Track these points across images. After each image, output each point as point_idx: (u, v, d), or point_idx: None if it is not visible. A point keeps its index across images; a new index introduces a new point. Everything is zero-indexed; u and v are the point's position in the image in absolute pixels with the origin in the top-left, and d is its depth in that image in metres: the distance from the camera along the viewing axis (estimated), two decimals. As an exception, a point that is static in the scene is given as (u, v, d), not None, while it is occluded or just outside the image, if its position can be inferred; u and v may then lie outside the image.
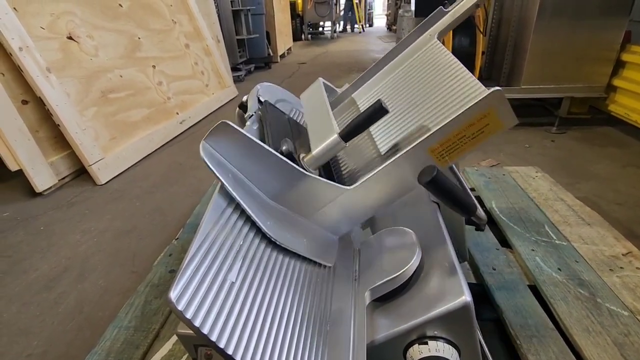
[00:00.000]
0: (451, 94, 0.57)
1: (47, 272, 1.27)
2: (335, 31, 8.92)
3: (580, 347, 0.68)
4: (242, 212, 0.51)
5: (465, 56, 2.29)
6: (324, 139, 0.59)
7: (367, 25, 11.43)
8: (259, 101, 0.77)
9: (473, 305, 0.49)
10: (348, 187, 0.57)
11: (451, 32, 2.26)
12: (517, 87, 2.23)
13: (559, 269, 0.88)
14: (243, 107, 0.79)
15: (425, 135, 0.51)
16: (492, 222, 1.10)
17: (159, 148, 2.36)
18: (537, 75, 2.18)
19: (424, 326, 0.51)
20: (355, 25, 9.98)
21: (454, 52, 2.31)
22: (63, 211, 1.66)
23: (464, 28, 2.33)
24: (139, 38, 2.48)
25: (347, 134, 0.57)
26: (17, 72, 1.71)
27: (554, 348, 0.69)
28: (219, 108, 3.19)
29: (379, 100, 0.54)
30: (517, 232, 1.02)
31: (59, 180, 1.87)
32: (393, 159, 0.53)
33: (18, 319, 1.08)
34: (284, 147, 0.60)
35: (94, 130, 1.97)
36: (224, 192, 0.51)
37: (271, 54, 5.21)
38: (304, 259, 0.56)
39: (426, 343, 0.51)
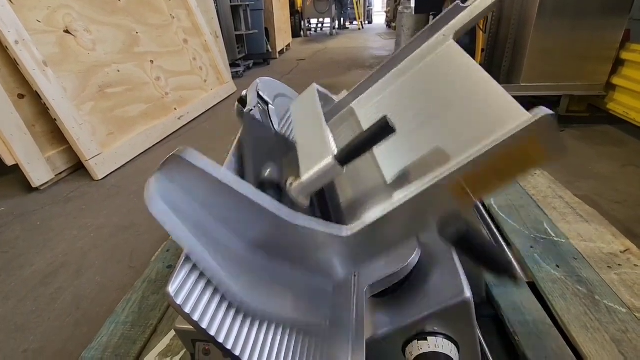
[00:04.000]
0: (476, 111, 0.45)
1: (44, 267, 1.27)
2: (334, 28, 8.88)
3: (579, 344, 0.68)
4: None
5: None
6: (316, 162, 0.48)
7: (367, 22, 11.40)
8: (259, 96, 0.76)
9: (473, 302, 0.49)
10: (345, 233, 0.45)
11: (451, 29, 2.26)
12: (516, 85, 2.23)
13: (558, 266, 0.88)
14: (242, 101, 0.79)
15: (450, 170, 0.39)
16: (491, 219, 1.10)
17: (156, 144, 2.35)
18: (536, 73, 2.18)
19: (423, 322, 0.51)
20: (354, 22, 9.95)
21: (453, 49, 2.31)
22: (60, 207, 1.65)
23: (464, 25, 2.33)
24: (137, 33, 2.46)
25: (345, 158, 0.46)
26: (13, 66, 1.70)
27: (553, 344, 0.69)
28: (217, 104, 3.18)
29: (384, 116, 0.44)
30: (516, 229, 1.02)
31: (55, 176, 1.86)
32: (405, 199, 0.41)
33: (14, 314, 1.07)
34: (266, 176, 0.51)
35: (91, 126, 1.96)
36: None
37: (270, 50, 5.19)
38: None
39: (425, 339, 0.50)
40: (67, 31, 1.96)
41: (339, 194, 0.60)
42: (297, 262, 0.47)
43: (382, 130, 0.44)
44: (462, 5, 0.60)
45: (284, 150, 0.60)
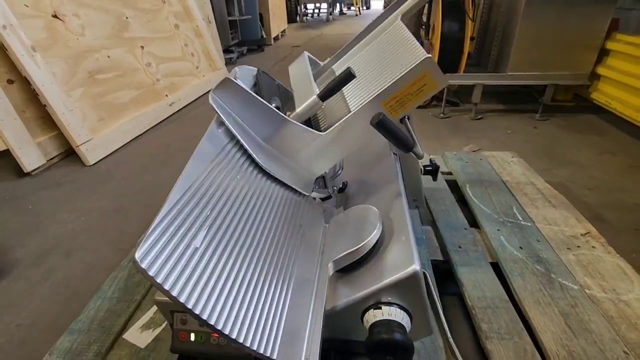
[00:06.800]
0: (404, 63, 0.68)
1: (35, 249, 1.31)
2: (331, 13, 8.77)
3: (530, 317, 0.74)
4: (237, 149, 0.66)
5: (454, 41, 2.29)
6: (305, 99, 0.72)
7: (364, 8, 11.24)
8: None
9: (422, 274, 0.54)
10: (321, 133, 0.70)
11: (440, 17, 2.27)
12: (503, 74, 2.26)
13: (521, 248, 0.93)
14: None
15: (379, 92, 0.64)
16: (464, 204, 1.15)
17: (148, 130, 2.37)
18: (523, 62, 2.20)
19: (378, 293, 0.56)
20: (352, 8, 9.81)
21: (442, 37, 2.32)
22: (51, 191, 1.68)
23: (454, 13, 2.33)
24: (127, 17, 2.44)
25: (324, 95, 0.71)
26: (2, 51, 1.70)
27: (506, 317, 0.75)
28: (209, 91, 3.17)
29: (348, 67, 0.68)
30: (486, 214, 1.08)
31: (47, 161, 1.89)
32: (355, 110, 0.66)
33: (7, 292, 1.12)
34: (273, 104, 0.73)
35: (81, 111, 1.97)
36: (215, 135, 0.65)
37: (264, 36, 5.14)
38: (286, 187, 0.70)
39: (380, 308, 0.56)
40: (55, 15, 1.95)
41: (321, 123, 0.83)
42: (293, 156, 0.72)
43: (347, 76, 0.67)
44: None
45: (284, 96, 0.86)
